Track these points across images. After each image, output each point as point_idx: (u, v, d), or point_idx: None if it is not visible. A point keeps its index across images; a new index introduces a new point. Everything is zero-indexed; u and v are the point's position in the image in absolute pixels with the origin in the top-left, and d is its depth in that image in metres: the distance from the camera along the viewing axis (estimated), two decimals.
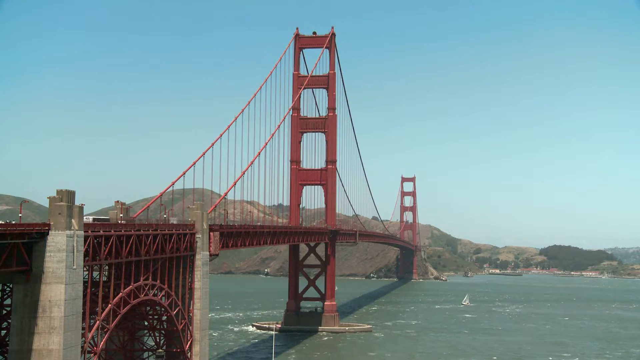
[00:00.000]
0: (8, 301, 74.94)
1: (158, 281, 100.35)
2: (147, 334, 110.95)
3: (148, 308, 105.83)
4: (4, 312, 75.62)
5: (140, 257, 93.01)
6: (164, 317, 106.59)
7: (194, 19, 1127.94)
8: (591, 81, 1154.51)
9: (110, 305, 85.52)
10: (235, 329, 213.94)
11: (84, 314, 78.35)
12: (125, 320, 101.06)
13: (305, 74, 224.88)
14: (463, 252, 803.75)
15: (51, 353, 70.99)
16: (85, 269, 79.17)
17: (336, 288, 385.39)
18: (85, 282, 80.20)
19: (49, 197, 74.94)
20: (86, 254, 78.55)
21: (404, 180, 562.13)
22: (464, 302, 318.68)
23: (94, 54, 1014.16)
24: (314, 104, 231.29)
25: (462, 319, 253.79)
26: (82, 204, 77.56)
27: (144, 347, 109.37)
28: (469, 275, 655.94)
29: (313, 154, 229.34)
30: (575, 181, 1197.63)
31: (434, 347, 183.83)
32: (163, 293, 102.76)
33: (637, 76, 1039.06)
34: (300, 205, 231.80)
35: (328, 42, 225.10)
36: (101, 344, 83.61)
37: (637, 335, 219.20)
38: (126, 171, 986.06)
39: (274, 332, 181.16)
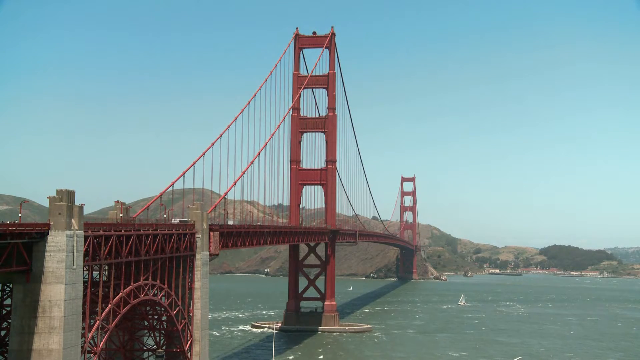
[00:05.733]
0: (8, 301, 74.91)
1: (158, 281, 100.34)
2: (147, 334, 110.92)
3: (148, 308, 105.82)
4: (4, 312, 75.59)
5: (140, 257, 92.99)
6: (164, 317, 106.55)
7: (194, 19, 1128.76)
8: (591, 81, 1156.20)
9: (110, 305, 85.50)
10: (235, 329, 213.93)
11: (84, 314, 78.35)
12: (125, 320, 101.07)
13: (305, 73, 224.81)
14: (463, 252, 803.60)
15: (51, 353, 70.99)
16: (85, 269, 79.16)
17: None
18: (85, 282, 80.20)
19: (49, 197, 74.91)
20: (86, 254, 78.53)
21: (404, 180, 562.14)
22: (460, 302, 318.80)
23: (94, 54, 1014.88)
24: (313, 103, 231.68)
25: (463, 319, 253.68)
26: (82, 204, 77.56)
27: (144, 347, 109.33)
28: (468, 275, 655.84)
29: (313, 154, 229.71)
30: (575, 181, 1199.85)
31: (435, 346, 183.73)
32: (163, 293, 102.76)
33: (637, 76, 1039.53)
34: (300, 205, 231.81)
35: (328, 42, 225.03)
36: (101, 344, 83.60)
37: None
38: (126, 171, 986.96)
39: (274, 332, 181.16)
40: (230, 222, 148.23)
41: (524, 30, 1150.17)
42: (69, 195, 75.61)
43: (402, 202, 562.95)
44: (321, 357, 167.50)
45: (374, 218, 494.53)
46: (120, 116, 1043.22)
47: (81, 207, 77.10)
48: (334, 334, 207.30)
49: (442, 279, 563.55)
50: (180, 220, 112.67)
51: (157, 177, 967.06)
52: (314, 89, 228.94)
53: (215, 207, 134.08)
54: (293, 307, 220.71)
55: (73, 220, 74.72)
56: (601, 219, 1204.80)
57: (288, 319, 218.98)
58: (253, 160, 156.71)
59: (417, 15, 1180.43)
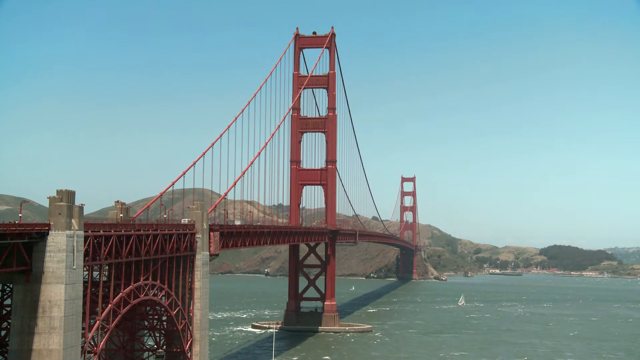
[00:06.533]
0: (8, 301, 74.86)
1: (158, 281, 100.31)
2: (147, 334, 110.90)
3: (148, 308, 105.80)
4: (4, 312, 75.55)
5: (140, 257, 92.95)
6: (164, 317, 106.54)
7: (194, 19, 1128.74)
8: (591, 81, 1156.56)
9: (110, 305, 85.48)
10: (235, 329, 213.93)
11: (84, 314, 78.33)
12: (125, 320, 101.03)
13: (305, 74, 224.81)
14: (463, 252, 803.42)
15: (51, 353, 70.95)
16: (85, 269, 79.13)
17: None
18: (85, 282, 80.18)
19: (49, 197, 74.82)
20: (86, 254, 78.51)
21: (404, 180, 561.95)
22: (460, 302, 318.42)
23: (94, 54, 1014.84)
24: (314, 104, 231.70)
25: (464, 319, 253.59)
26: (82, 204, 77.52)
27: (144, 347, 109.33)
28: (468, 275, 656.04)
29: (313, 154, 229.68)
30: (575, 181, 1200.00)
31: (438, 347, 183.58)
32: (163, 293, 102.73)
33: (637, 76, 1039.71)
34: (300, 205, 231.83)
35: (328, 42, 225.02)
36: (101, 344, 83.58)
37: None
38: (126, 171, 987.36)
39: (274, 332, 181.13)
40: (238, 222, 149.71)
41: (524, 30, 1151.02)
42: (69, 195, 75.56)
43: (402, 202, 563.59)
44: (321, 357, 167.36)
45: (374, 218, 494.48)
46: (121, 116, 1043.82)
47: (81, 207, 77.05)
48: (334, 334, 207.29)
49: (442, 279, 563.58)
50: (188, 221, 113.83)
51: (157, 177, 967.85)
52: (314, 89, 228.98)
53: (215, 207, 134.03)
54: (293, 307, 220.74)
55: (73, 221, 74.68)
56: (601, 219, 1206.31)
57: (288, 319, 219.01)
58: (253, 160, 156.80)
59: (417, 15, 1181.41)
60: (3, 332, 75.13)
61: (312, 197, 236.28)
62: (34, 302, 71.46)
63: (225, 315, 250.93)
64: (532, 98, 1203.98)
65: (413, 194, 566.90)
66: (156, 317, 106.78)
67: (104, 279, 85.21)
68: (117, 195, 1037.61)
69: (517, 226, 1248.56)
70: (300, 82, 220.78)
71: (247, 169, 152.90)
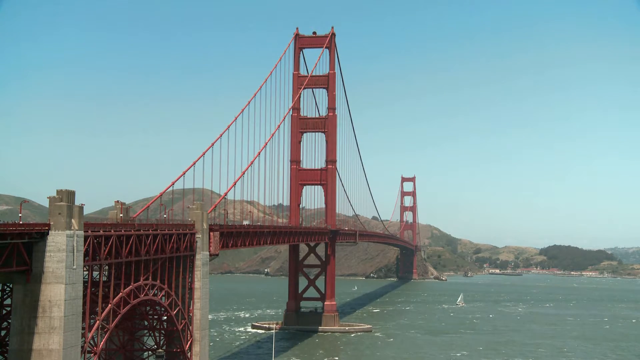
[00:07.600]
0: (8, 301, 74.88)
1: (158, 281, 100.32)
2: (147, 334, 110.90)
3: (148, 308, 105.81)
4: (4, 312, 75.57)
5: (140, 257, 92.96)
6: (164, 317, 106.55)
7: (194, 19, 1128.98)
8: (591, 81, 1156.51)
9: (110, 305, 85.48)
10: (235, 329, 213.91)
11: (84, 314, 78.33)
12: (125, 320, 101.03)
13: (305, 73, 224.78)
14: (463, 252, 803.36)
15: (51, 353, 70.96)
16: (85, 269, 79.13)
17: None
18: (85, 282, 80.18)
19: (49, 197, 74.86)
20: (86, 254, 78.51)
21: (404, 180, 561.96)
22: (459, 302, 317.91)
23: (94, 54, 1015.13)
24: (314, 104, 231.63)
25: (465, 319, 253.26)
26: (82, 204, 77.52)
27: (144, 347, 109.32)
28: (468, 275, 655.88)
29: (313, 154, 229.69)
30: (575, 181, 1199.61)
31: (439, 346, 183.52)
32: (163, 293, 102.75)
33: (637, 76, 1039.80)
34: (300, 205, 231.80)
35: (328, 42, 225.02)
36: (101, 344, 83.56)
37: None
38: (126, 171, 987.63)
39: (274, 332, 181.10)
40: (246, 222, 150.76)
41: (524, 30, 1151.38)
42: (69, 195, 75.58)
43: (402, 202, 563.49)
44: (321, 357, 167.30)
45: (374, 218, 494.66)
46: (121, 116, 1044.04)
47: (81, 207, 77.06)
48: (334, 334, 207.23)
49: (442, 279, 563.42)
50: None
51: (157, 177, 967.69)
52: (314, 89, 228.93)
53: (215, 207, 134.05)
54: (293, 307, 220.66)
55: (73, 220, 74.69)
56: (601, 219, 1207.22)
57: (288, 319, 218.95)
58: (253, 160, 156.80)
59: (417, 15, 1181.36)
60: (3, 332, 75.16)
61: (312, 197, 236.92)
62: (34, 302, 71.47)
63: (225, 315, 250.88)
64: (531, 98, 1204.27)
65: (413, 194, 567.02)
66: (156, 317, 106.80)
67: (104, 279, 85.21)
68: (117, 195, 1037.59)
69: (517, 226, 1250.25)
70: (300, 82, 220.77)
71: (247, 169, 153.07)
